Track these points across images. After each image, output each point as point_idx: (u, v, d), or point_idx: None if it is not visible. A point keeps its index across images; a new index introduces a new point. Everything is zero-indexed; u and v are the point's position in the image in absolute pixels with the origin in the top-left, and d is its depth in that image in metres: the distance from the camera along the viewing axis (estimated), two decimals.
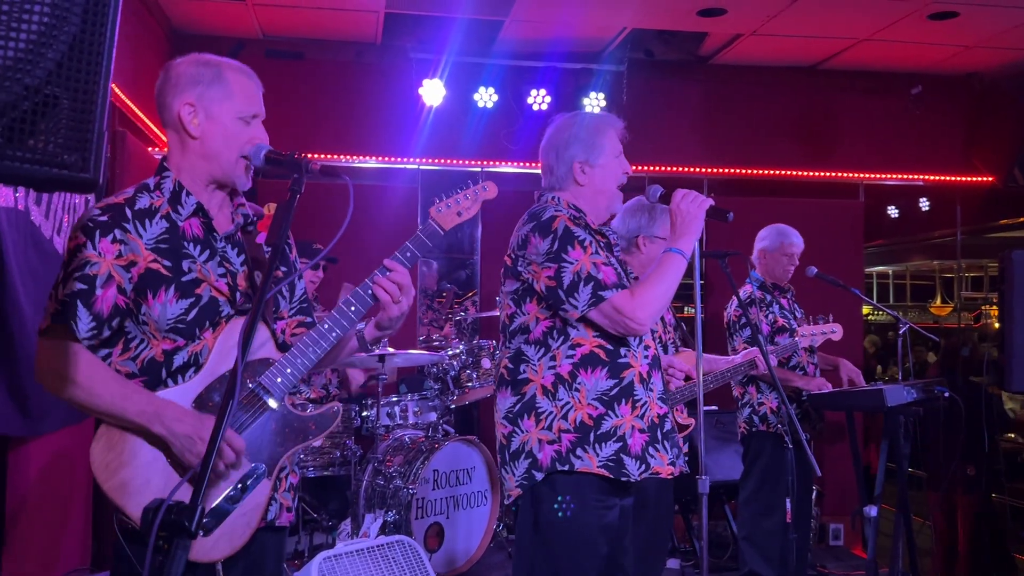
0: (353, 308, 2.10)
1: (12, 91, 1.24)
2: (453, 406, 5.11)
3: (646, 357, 2.72)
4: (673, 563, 5.42)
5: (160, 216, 2.05)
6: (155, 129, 5.47)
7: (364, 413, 4.92)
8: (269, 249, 2.23)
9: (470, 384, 5.03)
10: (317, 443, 2.24)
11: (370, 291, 2.11)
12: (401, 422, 4.94)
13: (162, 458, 1.97)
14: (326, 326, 2.09)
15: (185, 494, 1.62)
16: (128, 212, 2.02)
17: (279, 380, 2.04)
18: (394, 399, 5.01)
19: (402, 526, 4.41)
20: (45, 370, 1.97)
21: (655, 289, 2.63)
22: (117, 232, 1.98)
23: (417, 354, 4.79)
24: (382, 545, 3.95)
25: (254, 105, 2.12)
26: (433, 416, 4.98)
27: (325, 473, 4.68)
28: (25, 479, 3.29)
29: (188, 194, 2.09)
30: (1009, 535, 5.90)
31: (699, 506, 2.60)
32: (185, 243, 2.06)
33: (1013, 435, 7.40)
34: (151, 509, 1.57)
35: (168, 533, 1.55)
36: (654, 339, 2.84)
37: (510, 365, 2.72)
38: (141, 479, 1.95)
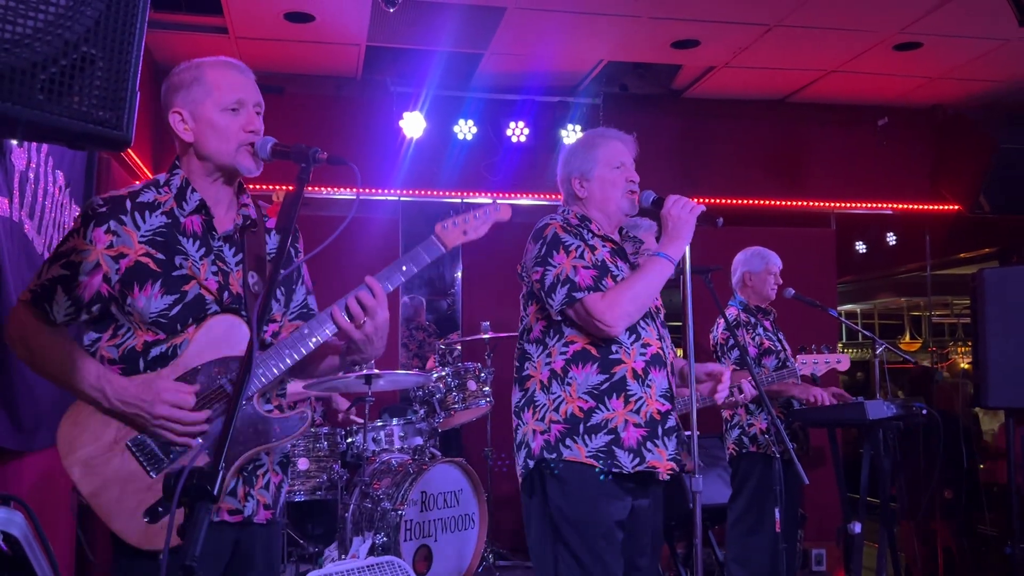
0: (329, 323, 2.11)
1: (54, 45, 1.28)
2: (440, 429, 5.09)
3: (642, 354, 2.75)
4: None
5: (161, 211, 2.09)
6: (139, 161, 5.49)
7: (350, 439, 4.89)
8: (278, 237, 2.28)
9: (456, 406, 5.02)
10: (284, 446, 2.22)
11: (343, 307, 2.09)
12: (387, 446, 4.92)
13: (123, 440, 2.02)
14: (306, 331, 2.11)
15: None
16: (128, 204, 2.07)
17: None
18: (379, 424, 4.99)
19: (391, 548, 4.37)
20: (15, 337, 2.06)
21: (627, 292, 2.67)
22: (112, 223, 2.03)
23: (404, 375, 4.78)
24: (372, 565, 3.89)
25: (236, 92, 2.12)
26: (419, 440, 4.96)
27: (312, 497, 4.63)
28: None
29: (193, 191, 2.13)
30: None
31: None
32: (183, 239, 2.09)
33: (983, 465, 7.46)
34: (173, 474, 1.59)
35: (189, 498, 1.56)
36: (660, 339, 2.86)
37: (517, 363, 2.85)
38: (100, 459, 2.01)
